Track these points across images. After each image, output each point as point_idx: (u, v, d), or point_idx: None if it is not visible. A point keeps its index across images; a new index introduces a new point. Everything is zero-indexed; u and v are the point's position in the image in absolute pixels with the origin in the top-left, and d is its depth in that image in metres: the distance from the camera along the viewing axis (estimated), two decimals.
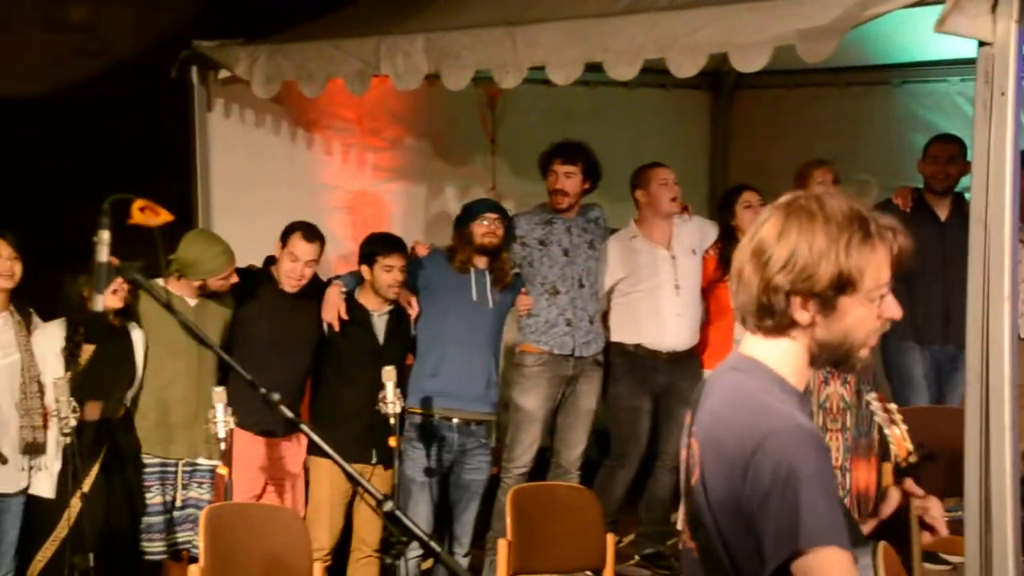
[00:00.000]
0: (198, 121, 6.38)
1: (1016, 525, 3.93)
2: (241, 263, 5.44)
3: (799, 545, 1.98)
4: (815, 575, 1.98)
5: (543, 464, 6.12)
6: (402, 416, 5.21)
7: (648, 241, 6.09)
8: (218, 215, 6.36)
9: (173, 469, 5.30)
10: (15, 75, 6.79)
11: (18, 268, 5.04)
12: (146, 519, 5.23)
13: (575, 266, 5.98)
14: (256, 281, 5.50)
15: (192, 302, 5.29)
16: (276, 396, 2.66)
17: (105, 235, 2.72)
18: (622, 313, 6.12)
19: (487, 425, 5.80)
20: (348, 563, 5.57)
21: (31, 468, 5.08)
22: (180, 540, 5.30)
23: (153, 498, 5.25)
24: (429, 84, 5.69)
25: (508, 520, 4.76)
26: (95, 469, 5.03)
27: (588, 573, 4.97)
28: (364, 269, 5.55)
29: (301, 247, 5.40)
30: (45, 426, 5.04)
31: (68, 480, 4.83)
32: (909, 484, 2.48)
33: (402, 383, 5.29)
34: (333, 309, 5.51)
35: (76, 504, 4.84)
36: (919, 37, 5.55)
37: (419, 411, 5.60)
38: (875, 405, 3.66)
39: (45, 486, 5.06)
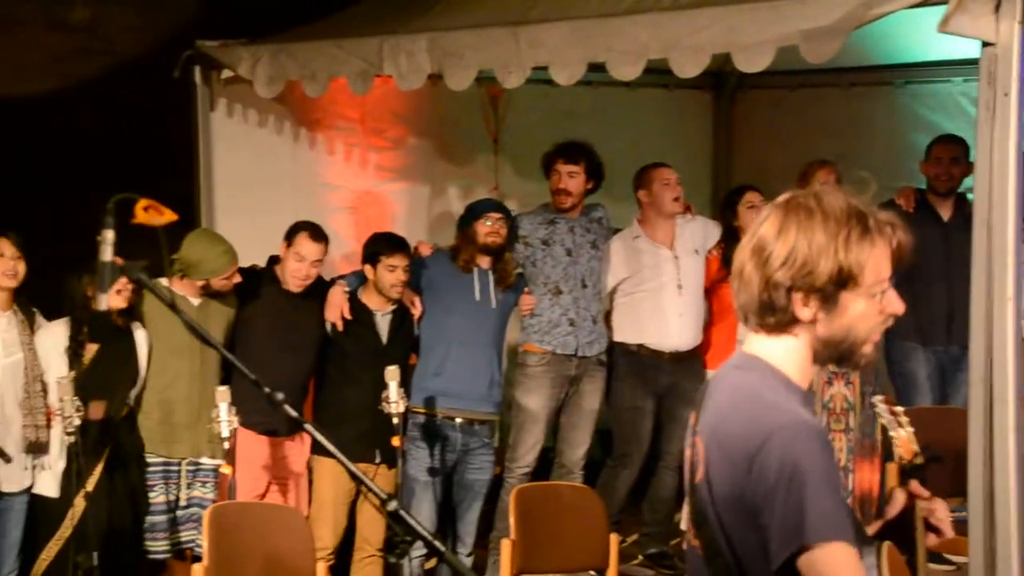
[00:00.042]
0: (201, 121, 6.39)
1: (1020, 526, 3.93)
2: (244, 263, 5.44)
3: (805, 540, 1.98)
4: (821, 570, 1.98)
5: (546, 464, 6.12)
6: (405, 416, 5.22)
7: (651, 241, 6.09)
8: (221, 215, 6.36)
9: (176, 468, 5.31)
10: (18, 75, 6.80)
11: (22, 267, 5.05)
12: (149, 518, 5.23)
13: (578, 266, 5.98)
14: (259, 281, 5.50)
15: (195, 302, 5.29)
16: (280, 395, 2.67)
17: (109, 234, 2.72)
18: (625, 313, 6.12)
19: (490, 425, 5.80)
20: (351, 562, 5.57)
21: (35, 467, 5.09)
22: (184, 539, 5.31)
23: (156, 497, 5.25)
24: (432, 84, 5.70)
25: (511, 520, 4.76)
26: (99, 468, 5.04)
27: (591, 573, 4.97)
28: (367, 269, 5.55)
29: (308, 247, 5.40)
30: (48, 425, 5.05)
31: (72, 479, 4.84)
32: (915, 486, 2.48)
33: (405, 383, 5.29)
34: (336, 309, 5.51)
35: (80, 503, 4.85)
36: (922, 37, 5.55)
37: (422, 411, 5.60)
38: (882, 408, 3.67)
39: (49, 485, 5.07)
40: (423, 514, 5.49)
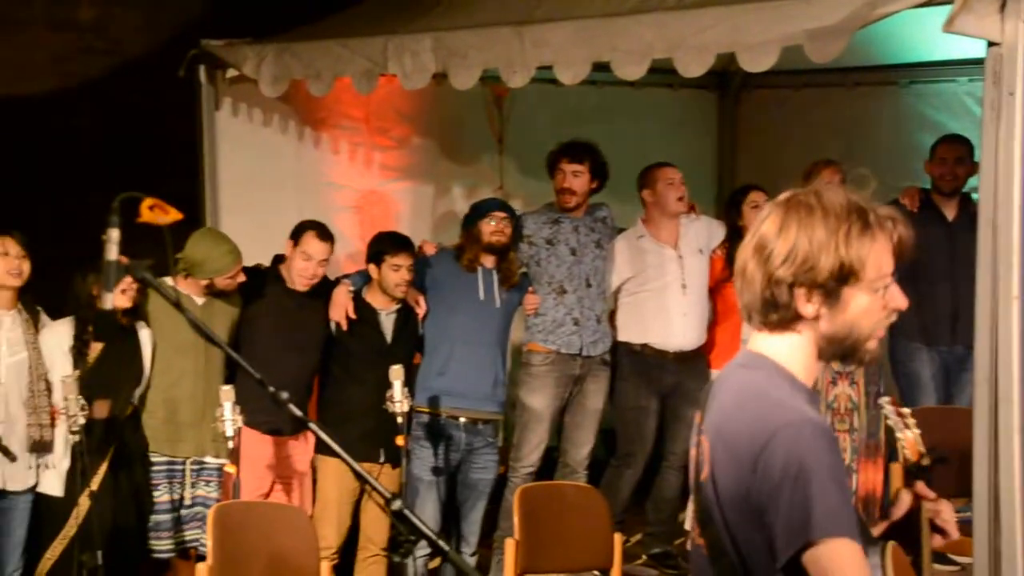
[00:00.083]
0: (206, 120, 6.39)
1: None
2: (248, 262, 5.44)
3: (810, 536, 1.98)
4: (826, 566, 1.98)
5: (550, 463, 6.12)
6: (409, 415, 5.22)
7: (655, 241, 6.09)
8: (225, 214, 6.36)
9: (181, 467, 5.30)
10: (23, 74, 6.81)
11: (26, 266, 5.04)
12: (154, 517, 5.23)
13: (582, 265, 5.98)
14: (264, 280, 5.50)
15: (199, 301, 5.29)
16: (284, 395, 2.66)
17: (114, 233, 2.72)
18: (629, 313, 6.12)
19: (494, 424, 5.80)
20: (355, 562, 5.57)
21: (39, 466, 5.08)
22: (188, 538, 5.31)
23: (161, 496, 5.25)
24: (436, 83, 5.69)
25: (515, 519, 4.76)
26: (103, 467, 5.03)
27: (595, 572, 4.97)
28: (372, 268, 5.55)
29: (314, 246, 5.40)
30: (53, 424, 5.05)
31: (76, 478, 4.84)
32: (921, 487, 2.48)
33: (409, 382, 5.29)
34: (341, 308, 5.51)
35: (84, 502, 4.85)
36: (927, 37, 5.55)
37: (426, 410, 5.60)
38: (888, 409, 3.66)
39: (53, 484, 5.06)
40: (427, 513, 5.49)
